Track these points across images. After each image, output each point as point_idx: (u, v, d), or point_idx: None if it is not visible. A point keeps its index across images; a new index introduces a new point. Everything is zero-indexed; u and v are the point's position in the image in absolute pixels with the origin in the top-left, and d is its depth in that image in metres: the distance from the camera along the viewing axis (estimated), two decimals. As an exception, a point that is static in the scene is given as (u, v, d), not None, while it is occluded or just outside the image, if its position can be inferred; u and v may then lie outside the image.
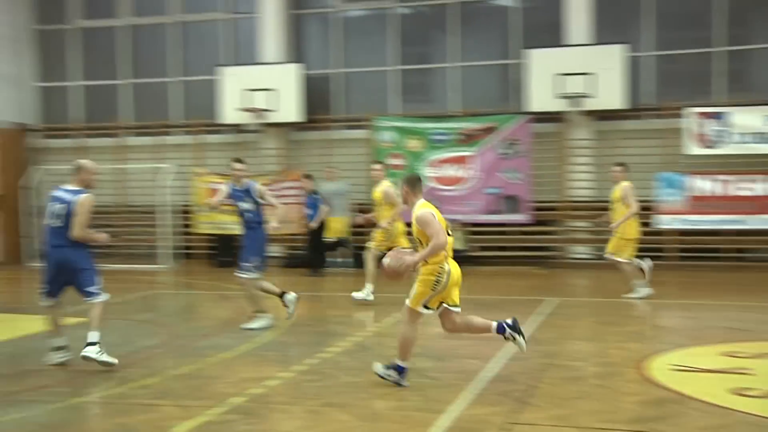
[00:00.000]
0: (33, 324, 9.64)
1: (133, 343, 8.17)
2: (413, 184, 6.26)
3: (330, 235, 14.99)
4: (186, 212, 16.19)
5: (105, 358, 6.88)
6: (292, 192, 15.52)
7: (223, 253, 15.68)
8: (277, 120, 15.97)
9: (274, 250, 16.34)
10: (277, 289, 8.84)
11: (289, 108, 15.85)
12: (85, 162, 7.26)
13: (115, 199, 17.07)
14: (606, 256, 11.00)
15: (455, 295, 6.17)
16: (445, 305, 6.15)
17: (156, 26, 17.67)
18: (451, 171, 15.32)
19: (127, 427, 5.30)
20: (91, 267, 7.04)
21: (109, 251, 16.47)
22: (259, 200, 8.62)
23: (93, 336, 6.89)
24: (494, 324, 6.29)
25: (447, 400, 5.84)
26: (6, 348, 8.21)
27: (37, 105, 18.09)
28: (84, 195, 7.04)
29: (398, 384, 6.13)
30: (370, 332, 8.75)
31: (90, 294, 6.98)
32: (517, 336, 6.27)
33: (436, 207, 6.21)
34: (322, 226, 14.33)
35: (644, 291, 10.70)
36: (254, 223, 8.65)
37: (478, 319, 6.34)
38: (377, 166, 10.94)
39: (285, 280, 14.10)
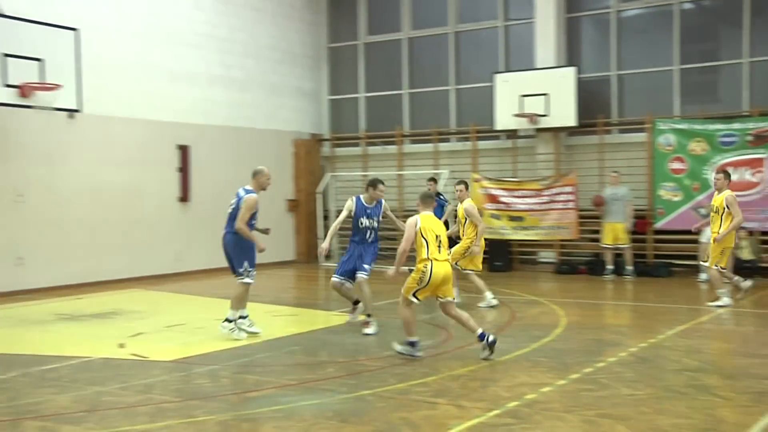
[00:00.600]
0: (327, 318, 10.53)
1: (413, 341, 8.57)
2: (424, 200, 7.79)
3: (608, 242, 14.58)
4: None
5: (237, 335, 8.59)
6: (566, 198, 15.28)
7: (496, 257, 15.87)
8: (551, 125, 15.83)
9: (546, 255, 16.22)
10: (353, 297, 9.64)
11: (563, 112, 15.62)
12: (261, 168, 8.89)
13: (393, 204, 18.01)
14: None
15: (445, 290, 7.53)
16: (437, 298, 7.56)
17: (432, 37, 18.37)
18: (740, 175, 14.09)
19: (409, 421, 5.57)
20: (242, 254, 8.58)
21: (386, 253, 17.51)
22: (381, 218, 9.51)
23: (230, 314, 8.64)
24: (479, 330, 7.57)
25: (740, 422, 5.40)
26: (303, 340, 9.02)
27: (329, 116, 19.66)
28: (250, 195, 8.62)
29: (412, 356, 7.55)
30: (648, 343, 8.35)
31: (238, 274, 8.62)
32: (488, 351, 7.47)
33: None
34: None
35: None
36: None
37: (471, 321, 7.68)
38: (460, 186, 11.16)
39: (559, 287, 13.91)
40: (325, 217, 17.89)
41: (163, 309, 11.52)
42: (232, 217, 8.68)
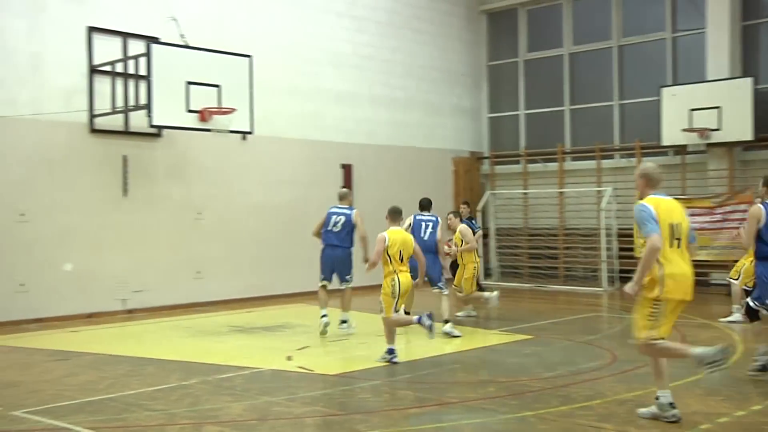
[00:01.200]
0: (486, 337, 10.44)
1: (576, 363, 8.33)
2: (392, 215, 8.69)
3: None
4: (624, 235, 16.00)
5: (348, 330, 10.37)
6: (741, 216, 14.34)
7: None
8: (724, 139, 14.93)
9: (719, 277, 15.27)
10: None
11: (738, 126, 14.70)
12: (344, 190, 11.14)
13: (554, 222, 17.64)
14: None
15: (403, 300, 8.59)
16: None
17: (594, 52, 17.90)
18: None
19: (574, 446, 5.41)
20: (350, 265, 10.58)
21: (550, 272, 17.13)
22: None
23: (344, 315, 10.56)
24: (415, 318, 8.52)
25: None
26: (463, 358, 9.01)
27: (488, 134, 19.60)
28: (356, 210, 10.69)
29: (390, 362, 8.30)
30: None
31: (346, 281, 10.58)
32: (427, 326, 8.31)
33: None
34: None
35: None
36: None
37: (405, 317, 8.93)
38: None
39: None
40: (485, 236, 17.80)
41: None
42: (344, 233, 10.59)
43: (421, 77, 18.05)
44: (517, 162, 18.67)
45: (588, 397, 6.73)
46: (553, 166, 17.93)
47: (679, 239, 5.92)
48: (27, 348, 9.85)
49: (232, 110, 12.32)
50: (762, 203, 7.53)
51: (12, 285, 11.82)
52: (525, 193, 18.12)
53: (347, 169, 16.38)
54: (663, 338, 5.93)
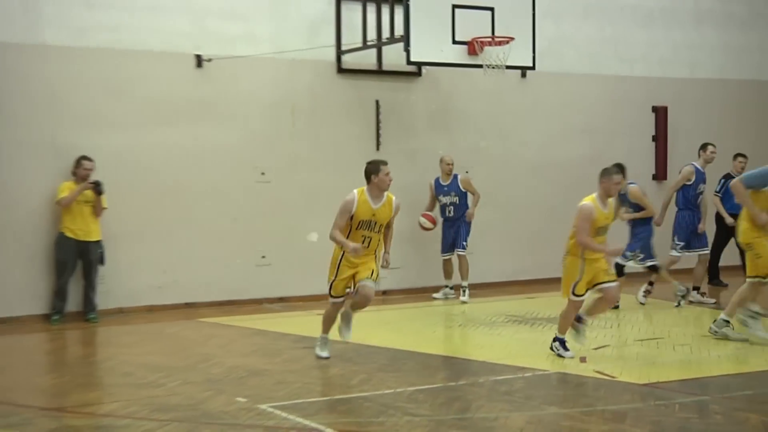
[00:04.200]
0: None
1: None
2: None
3: None
4: None
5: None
6: None
7: None
8: None
9: None
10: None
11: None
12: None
13: None
14: None
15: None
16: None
17: None
18: None
19: None
20: None
21: None
22: None
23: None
24: None
25: None
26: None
27: None
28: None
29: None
30: None
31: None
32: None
33: None
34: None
35: None
36: None
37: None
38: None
39: None
40: None
41: (634, 315, 11.68)
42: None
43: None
44: None
45: None
46: None
47: None
48: (271, 332, 10.81)
49: (509, 39, 12.41)
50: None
51: (253, 257, 13.00)
52: None
53: (661, 113, 15.88)
54: None
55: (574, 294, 8.86)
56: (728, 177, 13.10)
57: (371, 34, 13.06)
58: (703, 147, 12.61)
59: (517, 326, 11.03)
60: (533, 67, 13.17)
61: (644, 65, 15.86)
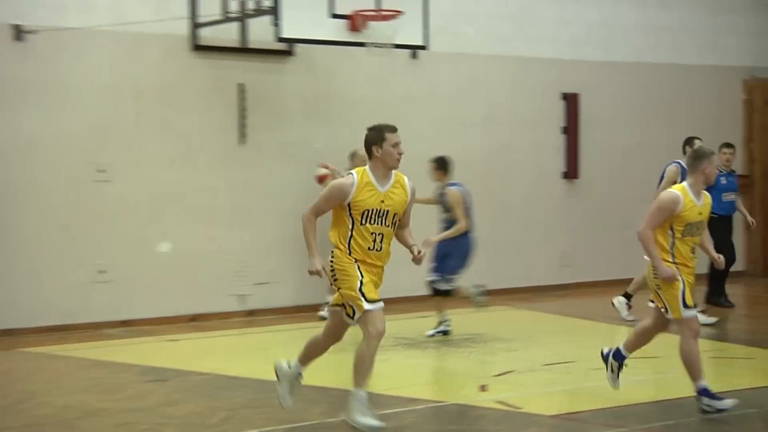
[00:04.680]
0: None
1: None
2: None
3: None
4: None
5: None
6: None
7: None
8: None
9: None
10: None
11: None
12: None
13: None
14: None
15: None
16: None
17: None
18: None
19: None
20: None
21: None
22: None
23: None
24: None
25: None
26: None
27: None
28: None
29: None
30: None
31: None
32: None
33: None
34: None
35: None
36: None
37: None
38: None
39: None
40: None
41: (541, 338, 11.82)
42: None
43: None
44: None
45: None
46: None
47: None
48: (111, 362, 10.54)
49: (396, 14, 12.44)
50: None
51: (89, 272, 12.64)
52: None
53: (571, 101, 16.16)
54: None
55: (685, 306, 7.96)
56: None
57: (234, 5, 12.90)
58: (689, 142, 12.58)
59: (408, 350, 11.02)
60: (426, 47, 13.22)
61: (553, 46, 16.06)
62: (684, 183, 8.24)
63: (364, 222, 7.40)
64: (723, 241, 12.61)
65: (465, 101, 15.32)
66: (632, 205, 13.31)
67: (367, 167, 7.75)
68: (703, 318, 12.01)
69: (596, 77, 16.38)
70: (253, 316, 13.43)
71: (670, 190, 8.27)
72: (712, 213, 12.47)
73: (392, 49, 12.75)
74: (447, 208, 11.83)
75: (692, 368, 7.93)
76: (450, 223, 11.80)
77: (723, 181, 12.93)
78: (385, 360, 10.38)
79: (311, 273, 7.33)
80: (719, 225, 12.53)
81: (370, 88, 14.49)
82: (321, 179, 12.52)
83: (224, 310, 13.33)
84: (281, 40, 12.36)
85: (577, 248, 16.09)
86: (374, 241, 7.39)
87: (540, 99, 15.93)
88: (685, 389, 8.74)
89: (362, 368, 7.30)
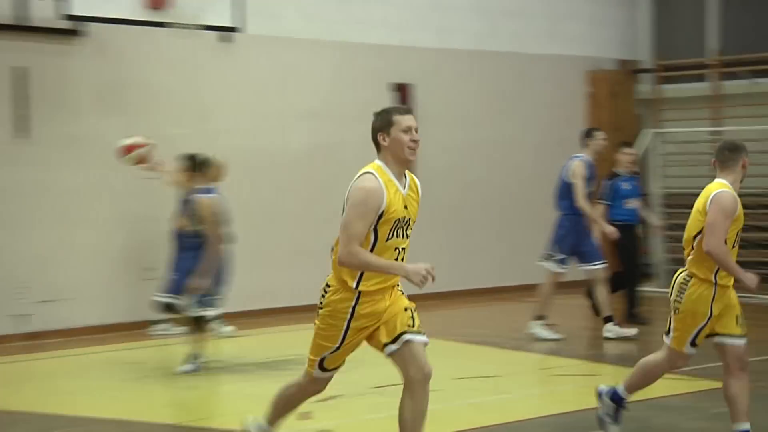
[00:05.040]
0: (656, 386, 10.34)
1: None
2: None
3: None
4: None
5: None
6: None
7: None
8: None
9: None
10: None
11: None
12: None
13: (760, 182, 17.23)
14: None
15: None
16: None
17: None
18: None
19: None
20: None
21: (763, 271, 16.86)
22: None
23: None
24: None
25: None
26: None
27: (651, 33, 19.26)
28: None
29: None
30: None
31: None
32: None
33: None
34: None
35: None
36: None
37: None
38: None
39: None
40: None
41: (372, 357, 11.84)
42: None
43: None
44: (703, 78, 18.43)
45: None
46: (766, 83, 17.65)
47: None
48: None
49: (204, -9, 12.39)
50: None
51: None
52: (717, 132, 17.84)
53: (403, 91, 16.33)
54: None
55: (692, 344, 7.60)
56: (614, 177, 13.49)
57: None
58: (589, 134, 12.76)
59: (219, 374, 10.98)
60: (240, 29, 13.17)
61: (382, 31, 16.23)
62: (723, 180, 7.51)
63: (391, 236, 6.47)
64: (628, 254, 12.89)
65: (285, 91, 15.27)
66: (470, 209, 13.45)
67: (380, 163, 6.73)
68: (620, 330, 12.41)
69: (430, 66, 16.59)
70: (37, 339, 13.06)
71: (722, 189, 7.44)
72: (613, 221, 12.87)
73: (200, 30, 12.67)
74: (197, 220, 11.03)
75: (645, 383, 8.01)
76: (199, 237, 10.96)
77: (625, 186, 13.18)
78: (193, 387, 10.30)
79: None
80: (622, 235, 12.86)
81: (174, 75, 14.30)
82: (128, 150, 11.74)
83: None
84: (69, 18, 12.14)
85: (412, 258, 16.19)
86: (396, 259, 6.55)
87: (368, 90, 15.96)
88: (531, 410, 8.94)
89: (281, 404, 7.44)
